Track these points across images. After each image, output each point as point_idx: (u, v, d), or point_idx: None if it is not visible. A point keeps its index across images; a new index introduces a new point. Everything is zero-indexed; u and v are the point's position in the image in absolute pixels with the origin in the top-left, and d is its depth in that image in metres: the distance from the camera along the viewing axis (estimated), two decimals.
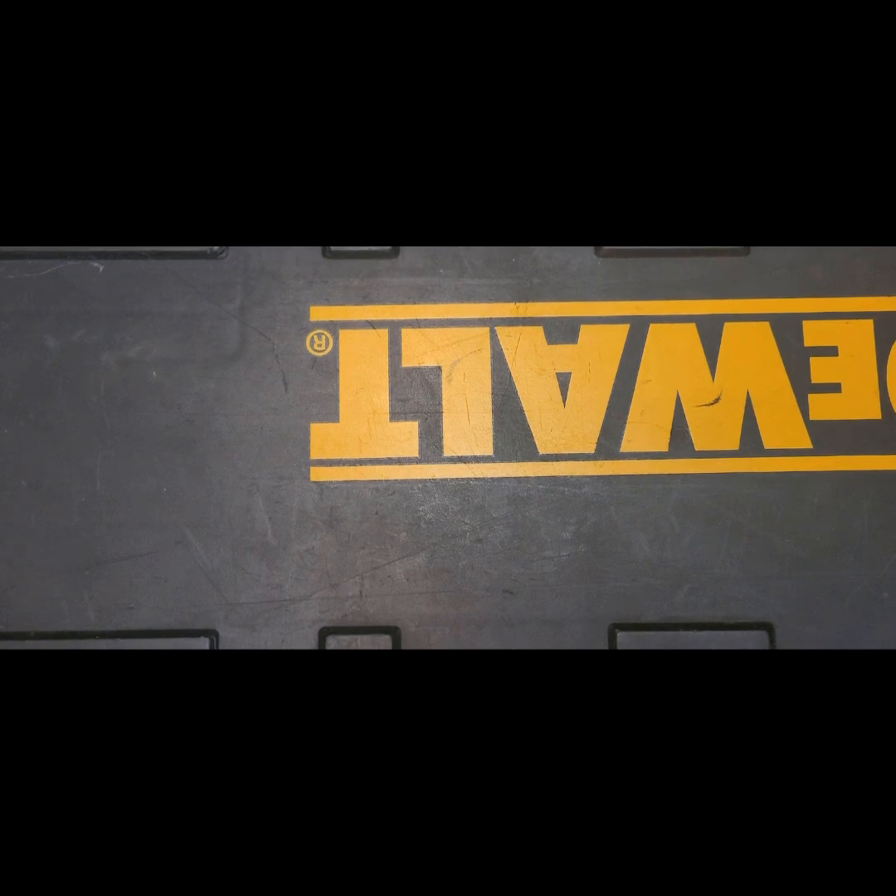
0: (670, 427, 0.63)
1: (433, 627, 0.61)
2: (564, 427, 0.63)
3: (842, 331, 0.63)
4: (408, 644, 0.61)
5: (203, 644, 0.60)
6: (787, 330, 0.63)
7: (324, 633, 0.61)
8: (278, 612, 0.61)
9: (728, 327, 0.63)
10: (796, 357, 0.63)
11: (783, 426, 0.63)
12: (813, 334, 0.63)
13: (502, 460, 0.62)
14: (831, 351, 0.63)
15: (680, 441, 0.62)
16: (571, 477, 0.62)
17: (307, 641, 0.61)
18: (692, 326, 0.63)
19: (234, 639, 0.61)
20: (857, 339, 0.63)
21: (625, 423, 0.63)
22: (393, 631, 0.61)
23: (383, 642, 0.60)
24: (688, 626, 0.60)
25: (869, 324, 0.63)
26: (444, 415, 0.63)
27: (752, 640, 0.60)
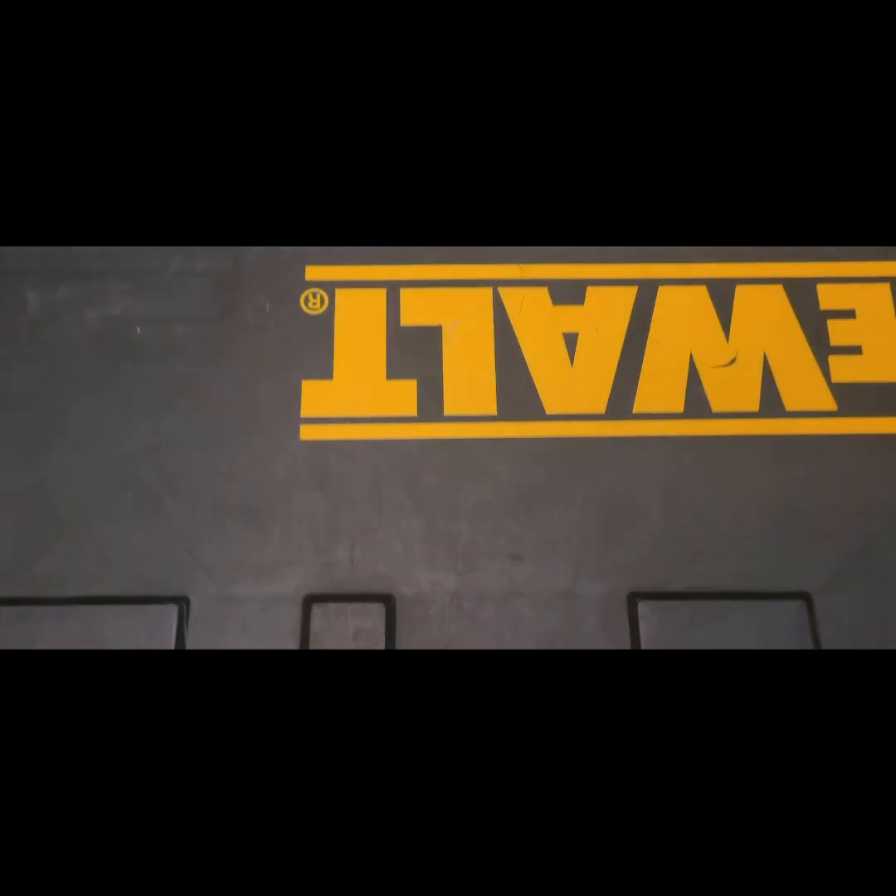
0: (685, 387, 0.59)
1: (431, 597, 0.55)
2: (572, 387, 0.59)
3: (858, 294, 0.61)
4: (402, 614, 0.54)
5: (171, 612, 0.54)
6: (801, 294, 0.61)
7: (309, 601, 0.54)
8: (259, 578, 0.55)
9: (740, 290, 0.61)
10: (813, 319, 0.60)
11: (804, 388, 0.59)
12: (828, 298, 0.61)
13: (507, 420, 0.58)
14: (849, 314, 0.61)
15: (696, 402, 0.59)
16: (581, 438, 0.58)
17: (290, 612, 0.54)
18: (703, 288, 0.61)
19: (207, 608, 0.54)
20: (875, 303, 0.61)
21: (637, 382, 0.59)
22: (387, 599, 0.54)
23: (375, 611, 0.54)
24: (712, 596, 0.55)
25: (886, 287, 0.61)
26: (444, 373, 0.59)
27: (786, 612, 0.54)
